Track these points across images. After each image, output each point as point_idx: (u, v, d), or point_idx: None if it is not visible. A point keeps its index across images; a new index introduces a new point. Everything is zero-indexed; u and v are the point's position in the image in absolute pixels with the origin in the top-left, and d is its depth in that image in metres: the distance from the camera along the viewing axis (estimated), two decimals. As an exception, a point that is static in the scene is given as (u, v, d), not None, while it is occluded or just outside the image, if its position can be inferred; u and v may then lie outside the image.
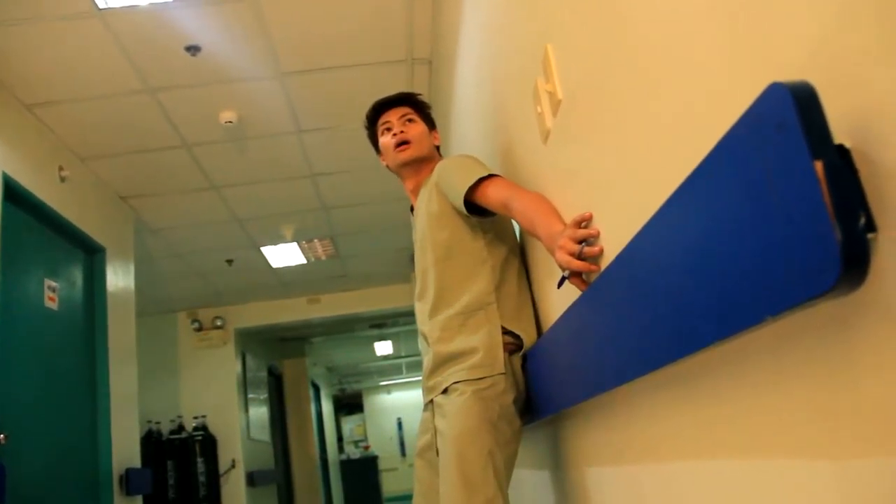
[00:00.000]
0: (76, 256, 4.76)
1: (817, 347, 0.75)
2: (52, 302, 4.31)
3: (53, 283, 4.34)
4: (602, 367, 1.30)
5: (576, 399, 1.58)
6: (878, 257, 0.66)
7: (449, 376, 1.99)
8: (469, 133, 3.23)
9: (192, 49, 3.81)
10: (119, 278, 5.25)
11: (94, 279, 4.94)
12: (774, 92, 0.64)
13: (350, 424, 17.78)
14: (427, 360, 2.14)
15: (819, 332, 0.74)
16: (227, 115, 4.50)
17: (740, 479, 0.97)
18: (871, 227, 0.65)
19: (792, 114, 0.61)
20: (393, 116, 2.34)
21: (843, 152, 0.66)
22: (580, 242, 1.45)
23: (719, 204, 0.76)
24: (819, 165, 0.59)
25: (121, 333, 5.14)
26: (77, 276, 4.74)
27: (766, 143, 0.65)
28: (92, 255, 4.95)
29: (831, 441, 0.75)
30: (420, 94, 2.51)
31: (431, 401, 2.07)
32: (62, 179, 4.48)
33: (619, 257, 1.15)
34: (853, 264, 0.58)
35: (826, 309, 0.70)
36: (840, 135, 0.67)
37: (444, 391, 1.98)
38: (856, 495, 0.72)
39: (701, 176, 0.81)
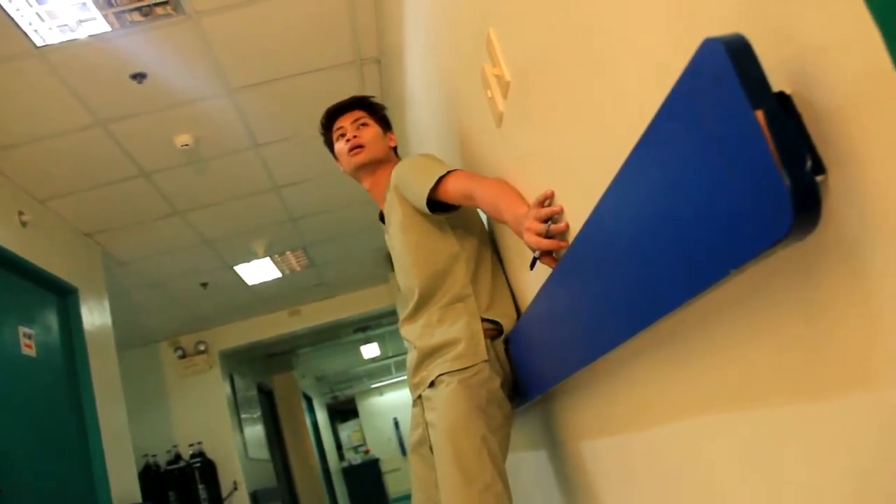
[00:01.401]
0: (48, 300, 4.69)
1: (783, 293, 0.76)
2: (29, 349, 4.25)
3: (28, 331, 4.28)
4: (581, 340, 1.31)
5: (560, 376, 1.59)
6: (830, 198, 0.67)
7: (434, 369, 2.00)
8: (425, 125, 3.23)
9: (138, 76, 3.77)
10: (95, 317, 5.19)
11: (70, 321, 4.88)
12: (708, 48, 0.64)
13: (347, 431, 17.74)
14: (410, 358, 2.15)
15: (784, 278, 0.75)
16: (183, 139, 4.45)
17: (723, 433, 0.98)
18: (819, 169, 0.66)
19: (728, 67, 0.62)
20: (346, 121, 2.35)
21: (783, 99, 0.67)
22: (546, 221, 1.45)
23: (670, 165, 0.76)
24: (760, 114, 0.60)
25: (104, 372, 5.08)
26: (52, 319, 4.68)
27: (706, 98, 0.66)
28: (65, 297, 4.88)
29: (806, 384, 0.76)
30: (373, 97, 2.51)
31: (420, 396, 2.08)
32: (23, 224, 4.42)
33: (582, 230, 1.16)
34: (804, 208, 0.59)
35: (788, 254, 0.71)
36: (779, 82, 0.68)
37: (431, 384, 1.99)
38: (832, 436, 0.74)
39: (649, 140, 0.81)
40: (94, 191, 4.83)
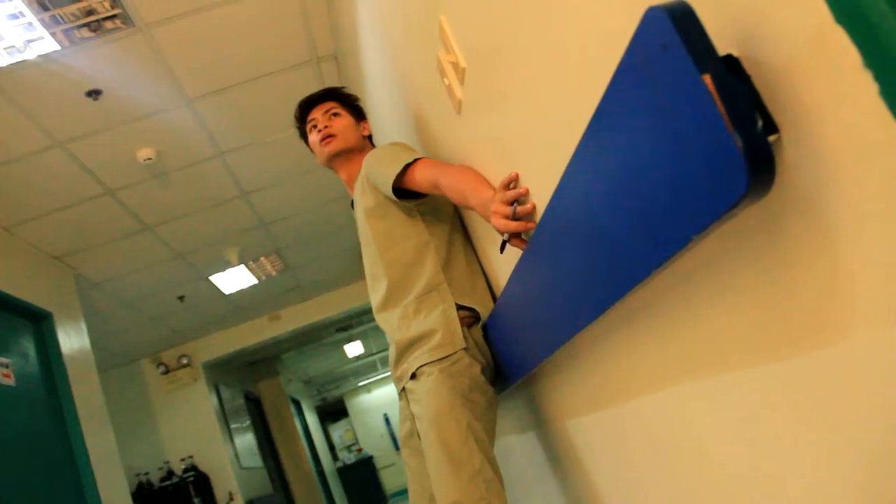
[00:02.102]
0: (23, 327, 4.63)
1: (748, 254, 0.77)
2: (7, 378, 4.19)
3: (4, 360, 4.22)
4: (556, 320, 1.31)
5: (540, 357, 1.60)
6: (785, 155, 0.68)
7: (413, 361, 2.00)
8: (386, 117, 3.22)
9: (94, 94, 3.72)
10: (72, 340, 5.12)
11: (47, 346, 4.81)
12: (652, 16, 0.64)
13: (338, 431, 17.73)
14: (391, 351, 2.15)
15: (747, 238, 0.76)
16: (145, 153, 4.41)
17: (703, 397, 0.99)
18: (771, 128, 0.66)
19: (673, 34, 0.62)
20: (318, 113, 2.36)
21: (731, 62, 0.67)
22: (512, 203, 1.45)
23: (624, 137, 0.77)
24: (707, 79, 0.60)
25: (87, 395, 5.02)
26: (28, 347, 4.61)
27: (654, 67, 0.66)
28: (39, 323, 4.82)
29: (777, 341, 0.77)
30: (345, 88, 2.51)
31: (403, 389, 2.08)
32: (-10, 253, 4.35)
33: (547, 209, 1.16)
34: (759, 168, 0.59)
35: (748, 215, 0.71)
36: (727, 46, 0.68)
37: (413, 377, 2.00)
38: (807, 389, 0.74)
39: (602, 114, 0.82)
40: (60, 213, 4.77)
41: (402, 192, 2.03)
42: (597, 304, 1.02)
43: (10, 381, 4.21)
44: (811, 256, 0.67)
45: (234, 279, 7.08)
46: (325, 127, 2.31)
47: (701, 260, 0.85)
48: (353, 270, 7.71)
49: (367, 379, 17.26)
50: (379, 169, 2.09)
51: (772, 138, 0.66)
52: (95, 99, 3.75)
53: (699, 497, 1.17)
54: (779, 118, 0.67)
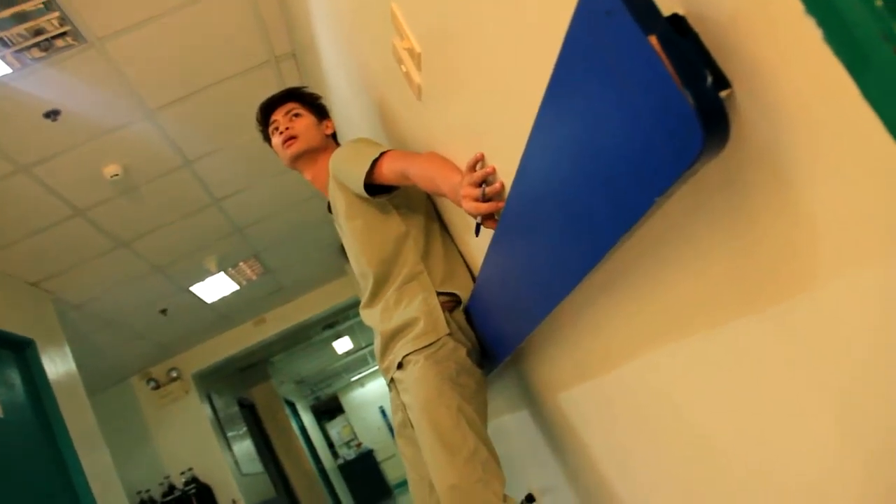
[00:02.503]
0: (6, 358, 4.57)
1: (713, 212, 0.77)
2: (-5, 410, 4.15)
3: (-9, 394, 4.18)
4: (534, 295, 1.32)
5: (523, 334, 1.61)
6: (740, 109, 0.68)
7: (399, 351, 2.01)
8: (350, 110, 3.21)
9: (52, 114, 3.66)
10: (58, 365, 5.07)
11: (33, 374, 4.75)
12: (593, -17, 0.64)
13: (336, 428, 17.72)
14: (376, 344, 2.15)
15: (710, 196, 0.76)
16: (112, 169, 4.35)
17: (682, 357, 1.00)
18: (723, 84, 0.67)
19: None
20: (279, 115, 2.34)
21: (678, 21, 0.67)
22: (480, 185, 1.45)
23: (578, 107, 0.77)
24: (654, 40, 0.60)
25: (79, 419, 4.98)
26: (13, 376, 4.56)
27: (600, 34, 0.66)
28: (22, 351, 4.76)
29: (747, 295, 0.77)
30: (305, 87, 2.49)
31: (392, 380, 2.08)
32: (-37, 286, 4.29)
33: (513, 186, 1.16)
34: (712, 124, 0.59)
35: (709, 173, 0.71)
36: (672, 5, 0.68)
37: (400, 366, 2.00)
38: (778, 341, 0.75)
39: (555, 86, 0.82)
40: (31, 239, 4.71)
41: (374, 187, 2.02)
42: (571, 275, 1.03)
43: (-1, 413, 4.17)
44: (773, 209, 0.67)
45: (215, 287, 7.04)
46: (287, 129, 2.29)
47: (668, 223, 0.85)
48: (334, 267, 7.68)
49: (359, 373, 17.25)
50: (346, 169, 2.08)
51: (724, 93, 0.66)
52: (54, 120, 3.70)
53: (685, 454, 1.18)
54: (730, 73, 0.67)
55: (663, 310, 0.98)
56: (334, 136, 2.41)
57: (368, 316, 2.21)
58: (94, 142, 4.08)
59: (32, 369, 4.76)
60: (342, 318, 10.30)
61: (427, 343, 1.94)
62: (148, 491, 7.78)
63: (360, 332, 12.33)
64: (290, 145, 2.27)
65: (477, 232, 1.53)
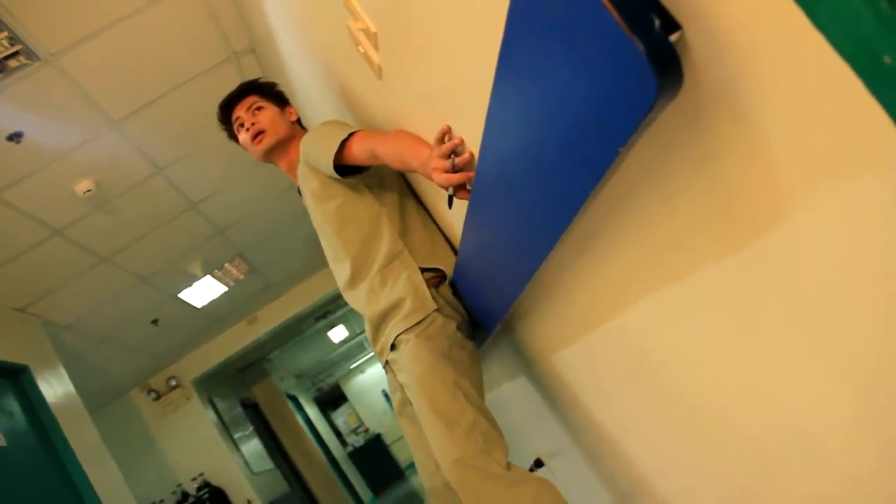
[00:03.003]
0: (1, 386, 4.55)
1: (679, 156, 0.77)
2: (-3, 440, 4.14)
3: (-10, 422, 4.16)
4: (514, 261, 1.32)
5: (509, 301, 1.61)
6: (692, 50, 0.68)
7: (390, 332, 2.01)
8: (314, 97, 3.19)
9: (15, 137, 3.62)
10: (55, 388, 5.05)
11: (31, 400, 4.73)
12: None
13: (342, 417, 17.77)
14: (366, 328, 2.15)
15: (675, 140, 0.76)
16: (84, 185, 4.31)
17: (664, 306, 1.01)
18: (672, 26, 0.67)
19: (554, -47, 0.62)
20: (241, 111, 2.32)
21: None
22: (449, 156, 1.45)
23: (532, 66, 0.77)
24: (597, -10, 0.60)
25: (83, 438, 4.97)
26: (12, 404, 4.54)
27: (544, -10, 0.65)
28: (17, 378, 4.74)
29: (720, 235, 0.78)
30: (260, 78, 2.47)
31: (387, 361, 2.09)
32: (-51, 320, 4.26)
33: (480, 154, 1.16)
34: (664, 67, 0.60)
35: (670, 117, 0.72)
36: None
37: (393, 347, 2.00)
38: (753, 280, 0.76)
39: (507, 48, 0.81)
40: (11, 264, 4.67)
41: (345, 169, 2.01)
42: (548, 236, 1.03)
43: (1, 442, 4.15)
44: (734, 146, 0.68)
45: (203, 292, 7.01)
46: (253, 124, 2.27)
47: (634, 174, 0.86)
48: (319, 258, 7.59)
49: (358, 360, 17.28)
50: (316, 151, 2.07)
51: (674, 36, 0.66)
52: (18, 142, 3.65)
53: (678, 396, 1.19)
54: (680, 14, 0.67)
55: (639, 260, 0.99)
56: (299, 121, 2.40)
57: (353, 298, 2.20)
58: (62, 160, 4.03)
59: (30, 395, 4.74)
60: (334, 307, 10.29)
61: (416, 321, 1.94)
62: (162, 501, 7.79)
63: (353, 319, 12.32)
64: (259, 140, 2.26)
65: (450, 204, 1.53)
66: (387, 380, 2.23)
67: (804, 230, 0.66)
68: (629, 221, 0.95)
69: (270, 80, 2.53)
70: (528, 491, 1.76)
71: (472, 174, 1.42)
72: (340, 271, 2.22)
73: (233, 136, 2.39)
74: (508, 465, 1.80)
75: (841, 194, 0.61)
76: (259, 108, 2.30)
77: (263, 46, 3.81)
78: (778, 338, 0.80)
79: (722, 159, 0.70)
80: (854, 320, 0.68)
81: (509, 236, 1.26)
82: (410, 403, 2.02)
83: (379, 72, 1.72)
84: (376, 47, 1.61)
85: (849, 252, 0.64)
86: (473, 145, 1.40)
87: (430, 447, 1.91)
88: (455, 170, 1.45)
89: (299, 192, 2.35)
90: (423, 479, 2.21)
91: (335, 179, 2.07)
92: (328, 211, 2.16)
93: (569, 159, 0.81)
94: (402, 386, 2.05)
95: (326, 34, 2.13)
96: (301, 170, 2.21)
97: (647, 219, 0.91)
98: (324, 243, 2.28)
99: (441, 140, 1.48)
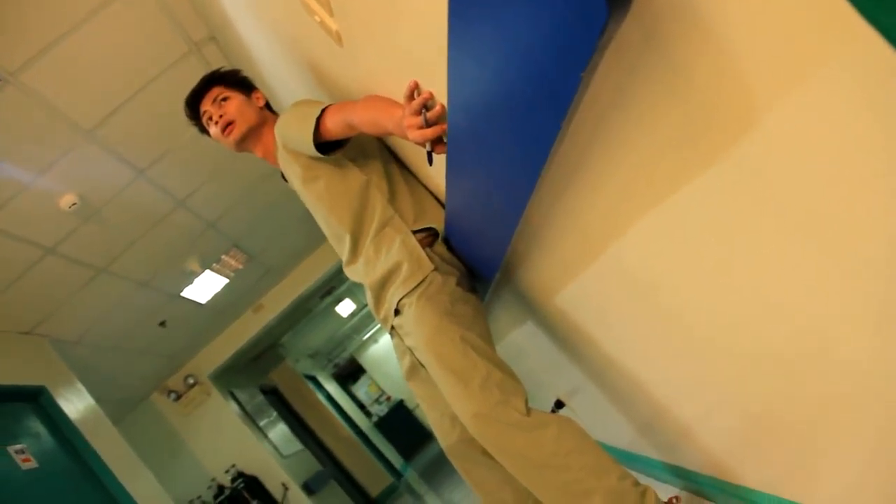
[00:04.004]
0: (22, 410, 4.58)
1: (645, 73, 0.76)
2: (28, 463, 4.18)
3: (18, 447, 4.19)
4: (501, 205, 1.32)
5: (503, 247, 1.61)
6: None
7: (392, 298, 2.01)
8: (282, 76, 3.15)
9: (-10, 162, 3.59)
10: (76, 403, 5.08)
11: (54, 419, 4.77)
12: None
13: (362, 388, 17.90)
14: (368, 298, 2.15)
15: (639, 60, 0.75)
16: (68, 200, 4.28)
17: (657, 228, 1.00)
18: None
19: None
20: (207, 104, 2.30)
21: None
22: (421, 112, 1.44)
23: (484, 13, 0.75)
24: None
25: (112, 450, 5.01)
26: (36, 426, 4.58)
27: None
28: (36, 400, 4.77)
29: (702, 147, 0.77)
30: (222, 67, 2.44)
31: (393, 327, 2.09)
32: (-42, 353, 4.27)
33: (449, 104, 1.15)
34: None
35: (629, 33, 0.70)
36: None
37: (396, 312, 2.01)
38: (739, 180, 0.75)
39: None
40: (11, 289, 4.66)
41: (325, 146, 2.00)
42: (528, 175, 1.02)
43: (33, 464, 4.20)
44: (699, 53, 0.67)
45: (205, 287, 7.01)
46: (221, 116, 2.24)
47: (604, 100, 0.85)
48: (313, 236, 7.63)
49: (369, 331, 17.35)
50: (293, 134, 2.06)
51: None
52: (-6, 167, 3.62)
53: (685, 318, 1.19)
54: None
55: (624, 186, 0.99)
56: (268, 105, 2.37)
57: (353, 272, 2.21)
58: (42, 178, 4.00)
59: (52, 414, 4.78)
60: (337, 282, 10.29)
61: (416, 283, 1.95)
62: (199, 497, 7.89)
63: (358, 291, 12.34)
64: (230, 132, 2.24)
65: (430, 160, 1.52)
66: (394, 346, 2.24)
67: (782, 128, 0.65)
68: (608, 150, 0.95)
69: (234, 67, 2.50)
70: (551, 432, 1.77)
71: (445, 126, 1.40)
72: (341, 248, 2.22)
73: (203, 131, 2.37)
74: (528, 410, 1.81)
75: (813, 87, 0.60)
76: (225, 99, 2.28)
77: (223, 31, 3.76)
78: (775, 243, 0.80)
79: (689, 70, 0.69)
80: (847, 213, 0.68)
81: (491, 182, 1.25)
82: (421, 366, 2.03)
83: (339, 38, 1.69)
84: (331, 13, 1.58)
85: (832, 144, 0.63)
86: (443, 97, 1.38)
87: (445, 406, 1.92)
88: (428, 124, 1.43)
89: (283, 177, 2.34)
90: (439, 439, 2.23)
91: (318, 158, 2.06)
92: (317, 191, 2.15)
93: (534, 95, 0.80)
94: (410, 350, 2.06)
95: (281, 10, 2.10)
96: (281, 156, 2.19)
97: (626, 144, 0.90)
98: (321, 224, 2.28)
99: (410, 97, 1.47)
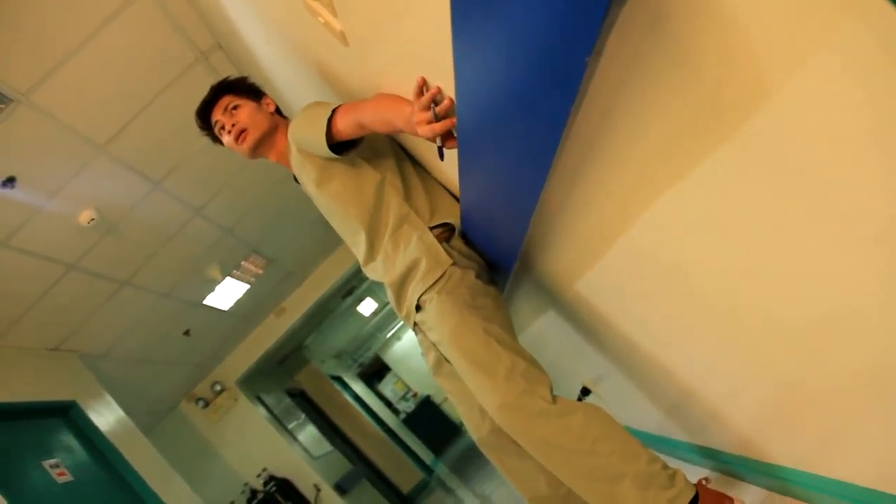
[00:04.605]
0: (55, 425, 4.64)
1: (652, 55, 0.76)
2: (63, 476, 4.23)
3: (52, 461, 4.25)
4: (516, 195, 1.31)
5: (519, 237, 1.61)
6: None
7: (412, 295, 2.02)
8: (291, 80, 3.16)
9: (8, 182, 3.62)
10: (106, 416, 5.14)
11: (87, 432, 4.83)
12: None
13: (388, 386, 17.94)
14: (389, 296, 2.16)
15: (646, 43, 0.75)
16: (86, 215, 4.32)
17: (671, 208, 1.00)
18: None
19: None
20: (218, 114, 2.31)
21: None
22: (430, 107, 1.43)
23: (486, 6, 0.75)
24: None
25: (144, 459, 5.07)
26: (69, 440, 4.64)
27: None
28: (67, 414, 4.83)
29: (715, 125, 0.76)
30: (228, 76, 2.44)
31: (415, 324, 2.10)
32: (-11, 372, 4.33)
33: (457, 97, 1.14)
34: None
35: (635, 15, 0.70)
36: None
37: (418, 309, 2.01)
38: (755, 155, 0.74)
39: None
40: (36, 307, 4.72)
41: (339, 147, 2.00)
42: (540, 164, 1.02)
43: (68, 478, 4.25)
44: (706, 30, 0.66)
45: (226, 294, 7.06)
46: (233, 125, 2.25)
47: (615, 86, 0.84)
48: (331, 237, 7.60)
49: (392, 328, 17.38)
50: (305, 137, 2.07)
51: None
52: (13, 187, 3.66)
53: (705, 299, 1.19)
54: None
55: (637, 169, 0.98)
56: (278, 110, 2.38)
57: (372, 271, 2.21)
58: (59, 195, 4.04)
59: (84, 428, 4.84)
60: (357, 282, 10.32)
61: (435, 279, 1.95)
62: (233, 502, 7.95)
63: (379, 290, 12.36)
64: (243, 139, 2.25)
65: (441, 155, 1.51)
66: (418, 342, 2.24)
67: (797, 101, 0.64)
68: (619, 134, 0.94)
69: (241, 74, 2.51)
70: (577, 419, 1.77)
71: (455, 120, 1.40)
72: (358, 247, 2.23)
73: (216, 141, 2.38)
74: (554, 399, 1.81)
75: (825, 56, 0.59)
76: (236, 107, 2.29)
77: (229, 39, 3.78)
78: (795, 215, 0.79)
79: (696, 47, 0.68)
80: (867, 181, 0.67)
81: (503, 172, 1.25)
82: (447, 361, 2.04)
83: (343, 39, 1.69)
84: (335, 14, 1.58)
85: (849, 112, 0.63)
86: (451, 91, 1.38)
87: (473, 399, 1.93)
88: (438, 119, 1.43)
89: (296, 179, 2.35)
90: (470, 431, 2.24)
91: (332, 159, 2.06)
92: (332, 191, 2.16)
93: (541, 82, 0.79)
94: (434, 345, 2.06)
95: (284, 14, 2.10)
96: (295, 159, 2.20)
97: (637, 127, 0.89)
98: (335, 225, 2.28)
99: (419, 93, 1.47)
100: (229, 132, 2.26)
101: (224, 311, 7.37)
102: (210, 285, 6.62)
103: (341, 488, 8.55)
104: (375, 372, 17.94)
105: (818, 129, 0.66)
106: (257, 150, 2.28)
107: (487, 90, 0.98)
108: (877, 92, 0.58)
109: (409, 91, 1.60)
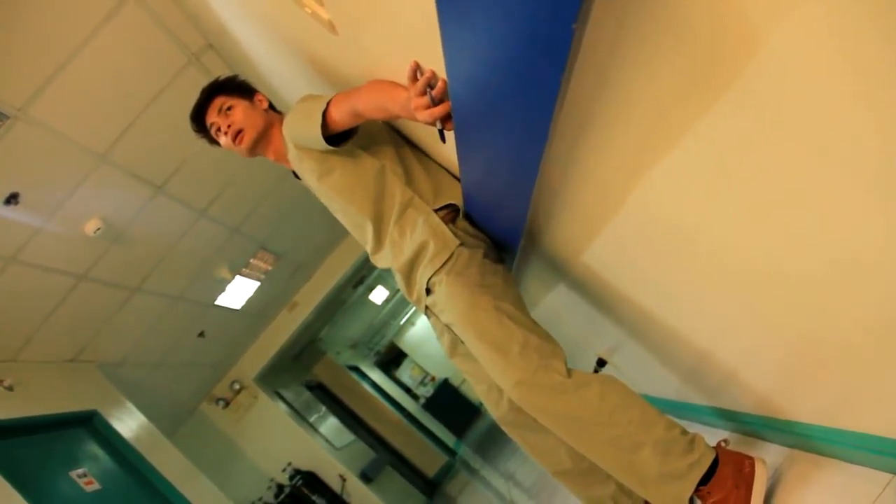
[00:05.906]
0: (78, 435, 4.68)
1: (640, 17, 0.75)
2: (92, 485, 4.27)
3: (80, 471, 4.29)
4: (515, 169, 1.31)
5: (523, 211, 1.60)
6: None
7: (421, 278, 2.02)
8: (284, 74, 3.15)
9: (12, 199, 3.64)
10: (129, 423, 5.18)
11: (110, 440, 4.87)
12: None
13: (406, 372, 17.98)
14: (399, 282, 2.16)
15: (636, 7, 0.74)
16: (92, 225, 4.33)
17: (672, 169, 0.99)
18: None
19: None
20: (213, 116, 2.30)
21: None
22: (426, 92, 1.43)
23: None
24: None
25: (169, 463, 5.11)
26: (94, 449, 4.68)
27: None
28: (90, 424, 4.87)
29: (708, 79, 0.76)
30: (219, 77, 2.44)
31: (427, 307, 2.10)
32: (9, 389, 4.35)
33: (448, 76, 1.14)
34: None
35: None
36: None
37: (428, 292, 2.01)
38: (752, 110, 0.74)
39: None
40: (50, 320, 4.74)
41: (335, 138, 2.00)
42: (537, 135, 1.01)
43: (97, 486, 4.29)
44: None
45: (237, 292, 7.08)
46: (228, 126, 2.25)
47: (605, 52, 0.83)
48: (337, 228, 7.61)
49: (405, 315, 17.43)
50: (301, 132, 2.06)
51: None
52: (17, 203, 3.67)
53: (713, 259, 1.18)
54: None
55: (636, 133, 0.97)
56: (271, 106, 2.37)
57: (381, 259, 2.22)
58: (64, 207, 4.05)
59: (107, 436, 4.88)
60: (367, 271, 10.34)
61: (443, 260, 1.95)
62: (261, 499, 8.00)
63: (389, 277, 12.38)
64: (240, 140, 2.25)
65: (442, 138, 1.51)
66: (431, 325, 2.25)
67: (787, 48, 0.64)
68: (614, 99, 0.93)
69: (234, 72, 2.50)
70: (594, 391, 1.77)
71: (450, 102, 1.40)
72: (364, 237, 2.23)
73: (213, 142, 2.38)
74: (569, 372, 1.81)
75: (812, 7, 0.58)
76: (230, 108, 2.28)
77: (220, 38, 3.77)
78: (800, 167, 0.78)
79: (684, 8, 0.67)
80: (869, 128, 0.66)
81: (501, 148, 1.24)
82: (462, 342, 2.04)
83: (332, 27, 1.69)
84: (321, 2, 1.57)
85: (843, 57, 0.62)
86: (444, 72, 1.37)
87: (489, 377, 1.93)
88: (435, 102, 1.42)
89: (296, 175, 2.35)
90: (490, 410, 2.25)
91: (329, 151, 2.06)
92: (333, 184, 2.15)
93: (530, 53, 0.79)
94: (448, 326, 2.06)
95: (271, 7, 2.09)
96: (292, 155, 2.20)
97: (632, 91, 0.89)
98: (340, 217, 2.28)
99: (413, 77, 1.46)
100: (226, 133, 2.25)
101: (237, 310, 7.40)
102: (221, 285, 6.64)
103: (366, 477, 8.60)
104: (392, 359, 17.99)
105: (815, 74, 0.65)
106: (255, 148, 2.29)
107: (478, 65, 0.97)
108: (871, 34, 0.58)
109: (401, 75, 1.60)
